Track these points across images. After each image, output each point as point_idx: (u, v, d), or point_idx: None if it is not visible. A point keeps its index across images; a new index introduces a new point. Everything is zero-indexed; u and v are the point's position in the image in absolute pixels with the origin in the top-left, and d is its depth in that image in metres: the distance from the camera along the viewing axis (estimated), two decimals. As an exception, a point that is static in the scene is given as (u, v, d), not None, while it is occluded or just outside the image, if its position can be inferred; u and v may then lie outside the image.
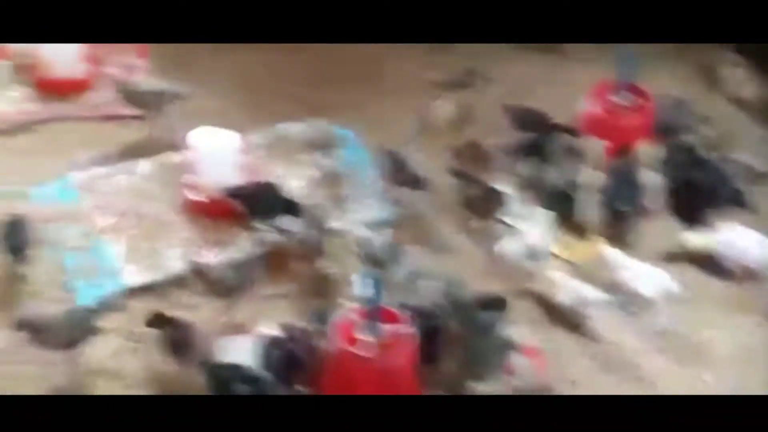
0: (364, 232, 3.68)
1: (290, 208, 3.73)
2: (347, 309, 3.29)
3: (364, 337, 3.15)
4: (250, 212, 3.78)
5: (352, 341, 3.15)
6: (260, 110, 4.32)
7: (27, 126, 4.23)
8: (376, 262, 3.56)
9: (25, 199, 3.86)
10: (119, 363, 3.34)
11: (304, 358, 3.20)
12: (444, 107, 4.29)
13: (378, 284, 3.11)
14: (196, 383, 3.21)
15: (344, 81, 4.48)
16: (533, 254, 3.72)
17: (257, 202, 3.77)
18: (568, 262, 3.74)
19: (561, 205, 3.86)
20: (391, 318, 3.19)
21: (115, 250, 3.72)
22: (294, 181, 3.99)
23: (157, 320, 3.33)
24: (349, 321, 3.20)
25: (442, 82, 4.43)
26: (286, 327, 3.34)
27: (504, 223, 3.82)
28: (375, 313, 3.14)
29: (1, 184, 3.93)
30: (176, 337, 3.28)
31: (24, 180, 3.95)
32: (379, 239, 3.66)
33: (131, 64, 4.42)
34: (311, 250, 3.63)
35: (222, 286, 3.57)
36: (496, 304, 3.31)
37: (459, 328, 3.27)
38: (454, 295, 3.35)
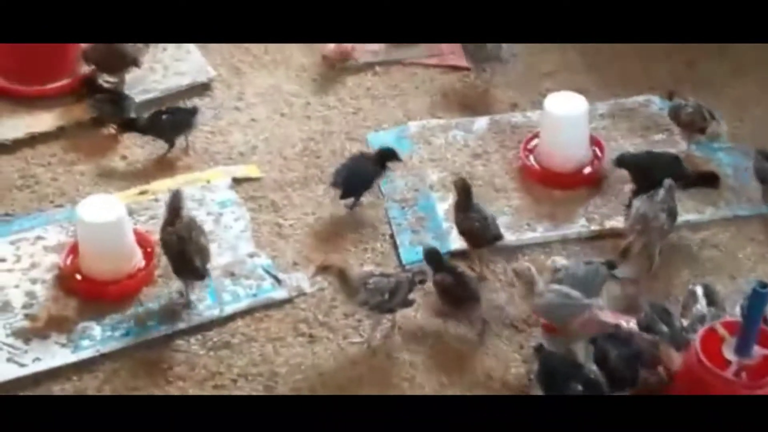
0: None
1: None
2: (716, 322, 2.79)
3: (735, 357, 2.67)
4: (640, 183, 3.41)
5: (718, 359, 2.67)
6: (609, 81, 4.01)
7: (370, 67, 4.09)
8: None
9: (363, 143, 3.74)
10: (426, 325, 3.16)
11: (648, 364, 2.81)
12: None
13: (762, 299, 2.59)
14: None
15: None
16: None
17: (653, 172, 3.38)
18: None
19: None
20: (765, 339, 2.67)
21: (442, 207, 3.52)
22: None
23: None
24: (715, 335, 2.71)
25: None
26: (627, 328, 2.91)
27: None
28: (752, 333, 2.64)
29: (341, 125, 3.83)
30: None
31: (362, 123, 3.84)
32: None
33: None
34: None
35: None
36: None
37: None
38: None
